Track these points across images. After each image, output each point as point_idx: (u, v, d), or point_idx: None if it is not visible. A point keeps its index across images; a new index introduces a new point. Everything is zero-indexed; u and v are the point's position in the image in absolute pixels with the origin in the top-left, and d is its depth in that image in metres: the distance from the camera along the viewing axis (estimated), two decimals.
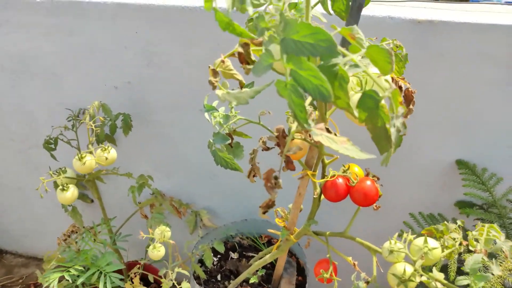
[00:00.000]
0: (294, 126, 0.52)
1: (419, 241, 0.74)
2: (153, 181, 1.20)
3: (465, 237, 0.76)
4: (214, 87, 0.53)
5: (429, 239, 0.74)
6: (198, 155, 1.29)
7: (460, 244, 0.76)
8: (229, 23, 0.37)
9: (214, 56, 1.07)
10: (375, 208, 0.85)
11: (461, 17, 0.87)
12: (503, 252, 0.67)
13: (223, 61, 0.54)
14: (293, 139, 0.75)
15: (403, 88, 0.70)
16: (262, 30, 0.39)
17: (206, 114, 0.80)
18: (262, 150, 0.78)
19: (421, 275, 0.70)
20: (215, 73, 0.53)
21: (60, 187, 1.07)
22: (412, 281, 0.71)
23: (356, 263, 0.87)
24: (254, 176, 0.79)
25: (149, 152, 1.32)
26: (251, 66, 0.52)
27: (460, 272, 1.01)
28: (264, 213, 0.61)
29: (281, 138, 0.51)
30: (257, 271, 1.21)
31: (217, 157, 0.78)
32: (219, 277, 1.22)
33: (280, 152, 0.52)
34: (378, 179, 0.85)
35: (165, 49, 1.09)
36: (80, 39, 1.13)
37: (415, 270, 0.71)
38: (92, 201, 1.49)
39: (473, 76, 0.94)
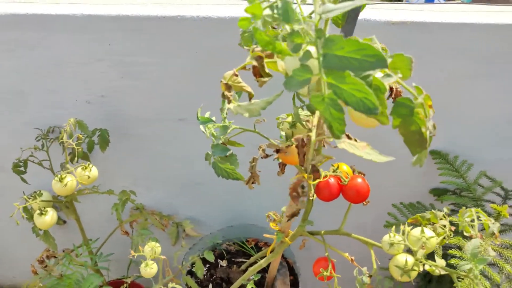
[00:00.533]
0: (313, 135, 0.53)
1: (416, 231, 0.78)
2: (136, 196, 1.17)
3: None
4: (229, 101, 0.53)
5: (425, 229, 0.78)
6: (179, 166, 1.27)
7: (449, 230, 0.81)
8: (270, 41, 0.38)
9: (193, 65, 1.06)
10: (365, 203, 0.88)
11: (431, 17, 0.93)
12: (494, 234, 0.73)
13: (236, 75, 0.54)
14: (289, 146, 0.76)
15: (394, 89, 0.74)
16: (296, 46, 0.39)
17: (201, 127, 0.79)
18: (262, 157, 0.79)
19: (424, 264, 0.74)
20: (228, 87, 0.53)
21: (38, 211, 1.01)
22: (415, 270, 0.75)
23: (353, 258, 0.90)
24: (253, 183, 0.80)
25: (126, 166, 1.27)
26: (265, 79, 0.52)
27: (443, 256, 1.07)
28: (288, 220, 0.62)
29: (301, 147, 0.52)
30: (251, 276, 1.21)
31: (218, 168, 0.78)
32: (211, 287, 1.21)
33: (300, 162, 0.53)
34: (364, 175, 0.89)
35: (141, 61, 1.06)
36: (45, 53, 1.07)
37: (416, 259, 0.75)
38: (65, 222, 1.41)
39: (444, 70, 1.01)
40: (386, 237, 0.80)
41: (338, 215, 0.88)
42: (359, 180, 0.91)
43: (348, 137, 0.52)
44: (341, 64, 0.36)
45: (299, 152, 0.52)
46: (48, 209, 1.02)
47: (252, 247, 1.30)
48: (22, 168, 1.10)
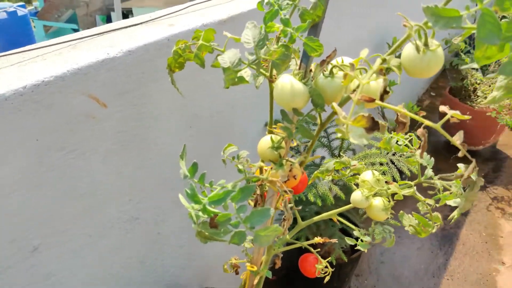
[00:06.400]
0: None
1: (367, 176, 0.89)
2: None
3: None
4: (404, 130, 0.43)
5: (370, 172, 0.91)
6: None
7: None
8: None
9: (34, 162, 0.68)
10: None
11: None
12: None
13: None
14: (291, 169, 0.71)
15: None
16: None
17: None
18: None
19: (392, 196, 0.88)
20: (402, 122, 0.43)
21: None
22: (391, 204, 0.88)
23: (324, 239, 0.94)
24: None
25: None
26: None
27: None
28: None
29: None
30: None
31: (263, 238, 0.59)
32: None
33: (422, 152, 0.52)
34: None
35: None
36: None
37: (386, 196, 0.88)
38: None
39: None
40: (358, 196, 0.87)
41: None
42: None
43: None
44: None
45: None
46: None
47: None
48: None
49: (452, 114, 0.51)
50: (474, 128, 2.55)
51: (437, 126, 0.51)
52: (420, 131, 0.50)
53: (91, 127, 0.76)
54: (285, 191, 0.66)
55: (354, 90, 0.54)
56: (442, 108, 0.54)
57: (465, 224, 2.20)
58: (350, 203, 0.91)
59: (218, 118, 1.07)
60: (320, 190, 1.16)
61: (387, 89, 0.47)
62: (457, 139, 0.51)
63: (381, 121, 0.44)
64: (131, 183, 0.89)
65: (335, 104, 0.47)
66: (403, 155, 1.35)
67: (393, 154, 1.33)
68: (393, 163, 1.31)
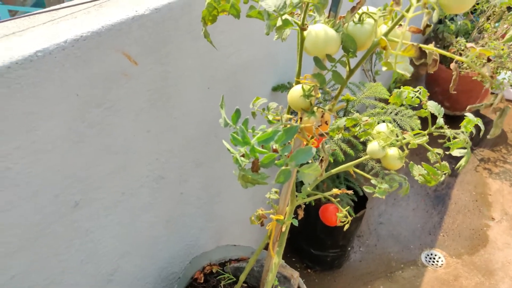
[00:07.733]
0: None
1: (382, 128, 0.95)
2: None
3: None
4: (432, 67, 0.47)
5: (383, 124, 0.96)
6: (85, 275, 0.86)
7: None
8: None
9: (74, 118, 0.71)
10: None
11: None
12: None
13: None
14: (323, 115, 0.75)
15: None
16: None
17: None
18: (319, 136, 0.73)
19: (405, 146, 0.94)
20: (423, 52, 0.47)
21: None
22: (406, 152, 0.94)
23: (342, 190, 0.99)
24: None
25: None
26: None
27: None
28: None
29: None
30: None
31: (306, 176, 0.64)
32: None
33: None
34: None
35: None
36: None
37: (400, 146, 0.94)
38: None
39: None
40: (375, 146, 0.93)
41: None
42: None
43: None
44: None
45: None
46: None
47: (211, 274, 1.11)
48: None
49: (480, 50, 0.56)
50: (460, 94, 2.65)
51: (467, 60, 0.56)
52: (452, 65, 0.55)
53: (125, 84, 0.78)
54: (321, 134, 0.71)
55: (386, 33, 0.58)
56: (469, 44, 0.59)
57: (455, 184, 2.31)
58: (356, 159, 0.97)
59: (232, 81, 1.10)
60: (331, 148, 1.21)
61: (428, 23, 0.51)
62: (485, 71, 0.56)
63: (428, 50, 0.49)
64: (158, 142, 0.92)
65: (384, 38, 0.51)
66: (405, 114, 1.42)
67: (396, 114, 1.39)
68: (395, 122, 1.37)
